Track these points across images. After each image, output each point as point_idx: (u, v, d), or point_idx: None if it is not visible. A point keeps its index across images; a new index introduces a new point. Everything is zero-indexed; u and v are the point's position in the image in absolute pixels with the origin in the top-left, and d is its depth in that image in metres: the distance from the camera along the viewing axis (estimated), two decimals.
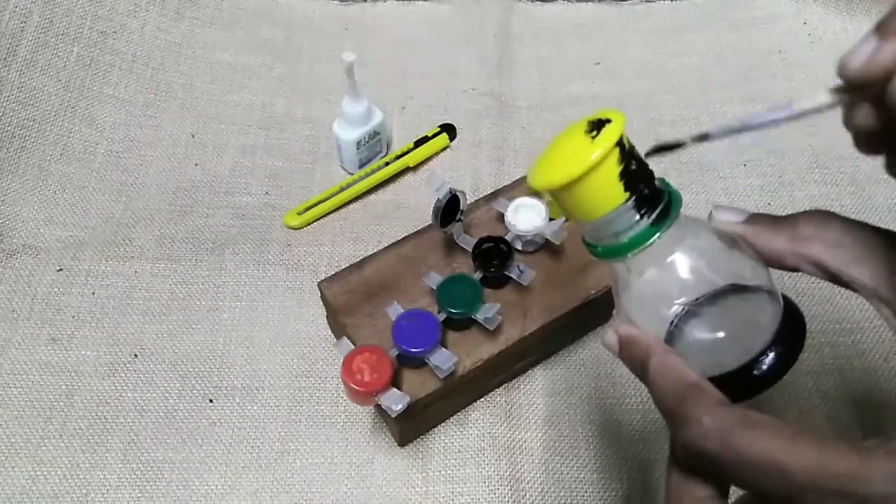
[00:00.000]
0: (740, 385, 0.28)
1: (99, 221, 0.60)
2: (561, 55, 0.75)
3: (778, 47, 0.74)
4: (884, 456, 0.22)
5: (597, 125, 0.27)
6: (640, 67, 0.74)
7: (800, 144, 0.66)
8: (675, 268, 0.29)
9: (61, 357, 0.52)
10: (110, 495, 0.47)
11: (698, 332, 0.28)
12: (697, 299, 0.28)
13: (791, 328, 0.29)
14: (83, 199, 0.61)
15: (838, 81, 0.25)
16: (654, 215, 0.28)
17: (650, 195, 0.28)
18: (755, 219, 0.29)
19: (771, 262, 0.29)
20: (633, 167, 0.28)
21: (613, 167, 0.27)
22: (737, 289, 0.29)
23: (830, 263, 0.27)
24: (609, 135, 0.27)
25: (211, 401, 0.51)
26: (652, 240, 0.28)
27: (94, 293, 0.55)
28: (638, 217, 0.28)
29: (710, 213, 0.30)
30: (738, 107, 0.69)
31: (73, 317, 0.54)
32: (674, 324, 0.28)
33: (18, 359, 0.52)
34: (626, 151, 0.27)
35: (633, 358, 0.29)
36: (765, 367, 0.28)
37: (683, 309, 0.28)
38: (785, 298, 0.30)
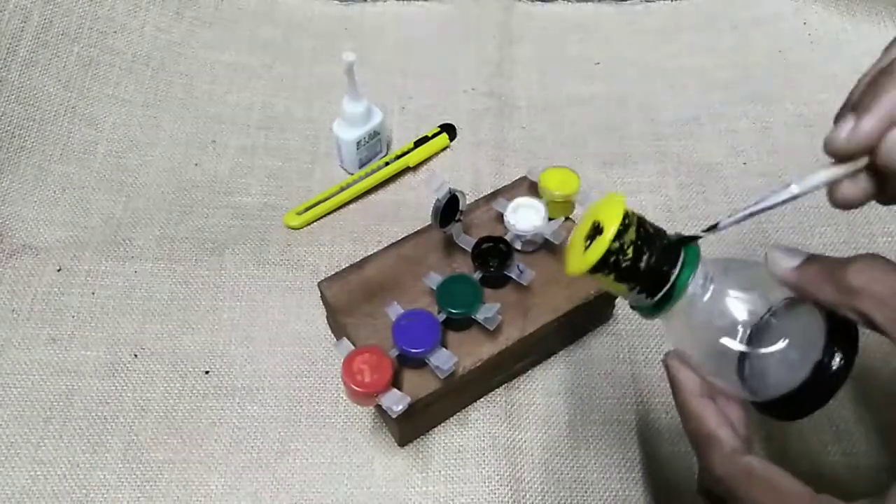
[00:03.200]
0: (814, 392, 0.29)
1: (99, 221, 0.60)
2: (561, 55, 0.75)
3: (778, 47, 0.74)
4: None
5: (591, 234, 0.30)
6: (640, 67, 0.74)
7: (800, 144, 0.66)
8: (707, 317, 0.30)
9: (61, 357, 0.52)
10: (110, 495, 0.47)
11: (756, 363, 0.30)
12: (748, 332, 0.30)
13: (839, 323, 0.29)
14: (83, 199, 0.61)
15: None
16: (656, 298, 0.31)
17: (649, 285, 0.30)
18: (807, 265, 0.29)
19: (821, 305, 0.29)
20: (626, 265, 0.30)
21: (602, 274, 0.30)
22: (779, 310, 0.30)
23: (880, 321, 0.26)
24: (593, 253, 0.29)
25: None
26: (656, 317, 0.31)
27: (94, 293, 0.55)
28: (644, 296, 0.31)
29: (766, 253, 0.30)
30: (738, 107, 0.69)
31: (73, 317, 0.54)
32: (733, 358, 0.30)
33: (18, 359, 0.52)
34: (616, 259, 0.29)
35: (672, 391, 0.33)
36: (834, 368, 0.29)
37: (740, 339, 0.30)
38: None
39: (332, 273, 0.49)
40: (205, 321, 0.54)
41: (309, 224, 0.61)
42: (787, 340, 0.29)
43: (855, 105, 0.27)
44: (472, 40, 0.75)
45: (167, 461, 0.48)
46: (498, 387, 0.51)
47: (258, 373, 0.52)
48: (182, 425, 0.50)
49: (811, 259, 0.29)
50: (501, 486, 0.47)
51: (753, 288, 0.31)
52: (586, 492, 0.48)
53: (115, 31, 0.68)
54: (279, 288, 0.56)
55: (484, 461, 0.48)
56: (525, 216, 0.49)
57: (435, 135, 0.66)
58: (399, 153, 0.64)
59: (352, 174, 0.64)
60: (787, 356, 0.29)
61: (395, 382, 0.43)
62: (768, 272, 0.30)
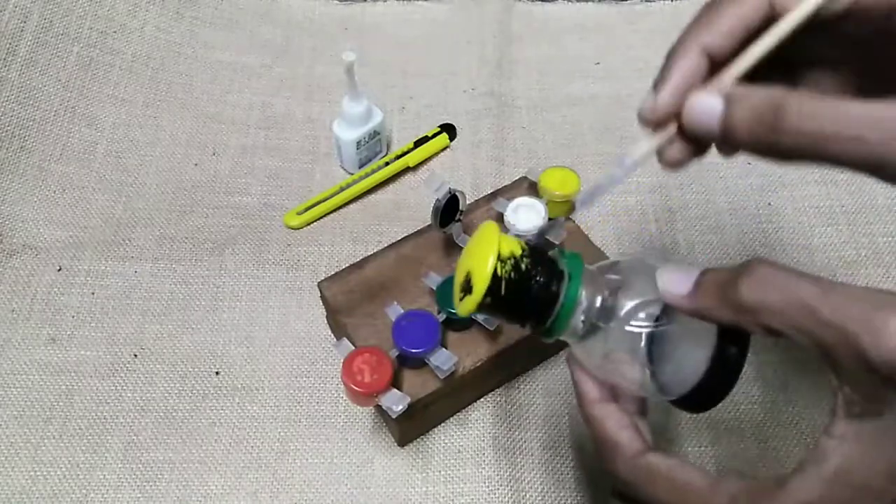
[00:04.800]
0: (717, 382, 0.29)
1: (99, 221, 0.60)
2: (561, 55, 0.75)
3: None
4: (727, 494, 0.27)
5: (465, 287, 0.31)
6: (640, 67, 0.74)
7: None
8: (601, 335, 0.32)
9: (61, 357, 0.52)
10: (110, 495, 0.47)
11: (657, 367, 0.31)
12: (647, 339, 0.31)
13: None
14: (83, 199, 0.61)
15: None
16: (541, 331, 0.32)
17: (533, 323, 0.32)
18: (699, 290, 0.28)
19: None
20: (500, 307, 0.31)
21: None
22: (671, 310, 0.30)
23: (784, 331, 0.26)
24: (464, 307, 0.31)
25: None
26: (548, 340, 0.33)
27: (93, 293, 0.55)
28: (530, 328, 0.32)
29: (656, 275, 0.30)
30: None
31: (73, 317, 0.54)
32: (634, 365, 0.31)
33: (18, 359, 0.52)
34: (492, 308, 0.31)
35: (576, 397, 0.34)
36: (729, 358, 0.29)
37: (639, 347, 0.31)
38: None
39: (332, 273, 0.50)
40: (205, 321, 0.54)
41: (309, 224, 0.61)
42: (682, 340, 0.30)
43: (656, 79, 0.31)
44: (472, 40, 0.75)
45: (167, 461, 0.48)
46: (498, 387, 0.51)
47: (258, 373, 0.52)
48: (182, 425, 0.50)
49: (701, 281, 0.28)
50: (501, 486, 0.47)
51: (646, 292, 0.31)
52: (586, 492, 0.48)
53: (115, 31, 0.68)
54: (279, 288, 0.56)
55: (484, 461, 0.48)
56: (525, 216, 0.49)
57: (435, 135, 0.66)
58: (399, 153, 0.64)
59: (352, 174, 0.64)
60: (685, 355, 0.30)
61: (395, 382, 0.43)
62: (664, 296, 0.29)
